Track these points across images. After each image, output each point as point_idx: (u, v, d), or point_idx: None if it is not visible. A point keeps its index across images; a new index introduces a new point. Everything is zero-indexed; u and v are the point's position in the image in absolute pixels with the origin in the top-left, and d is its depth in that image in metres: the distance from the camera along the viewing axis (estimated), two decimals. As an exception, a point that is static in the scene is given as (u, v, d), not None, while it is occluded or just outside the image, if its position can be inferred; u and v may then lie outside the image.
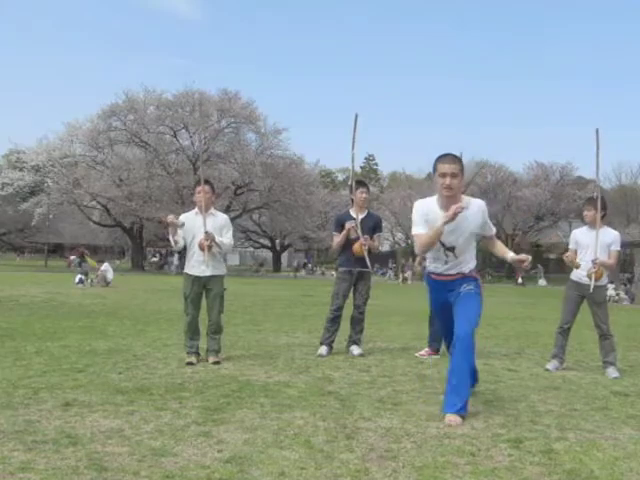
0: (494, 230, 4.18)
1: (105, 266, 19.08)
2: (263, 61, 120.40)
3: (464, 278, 4.05)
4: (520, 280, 33.66)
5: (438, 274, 4.11)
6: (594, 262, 5.51)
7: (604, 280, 5.75)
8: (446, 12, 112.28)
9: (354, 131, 5.72)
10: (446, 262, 4.04)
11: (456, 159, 3.88)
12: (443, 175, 3.82)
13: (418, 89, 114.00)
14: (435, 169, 3.90)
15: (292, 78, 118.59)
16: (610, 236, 5.68)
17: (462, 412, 3.76)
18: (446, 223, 3.82)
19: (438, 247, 3.99)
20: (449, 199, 3.87)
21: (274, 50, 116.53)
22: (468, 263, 4.07)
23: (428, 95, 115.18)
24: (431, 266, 4.13)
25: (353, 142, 5.76)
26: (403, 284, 30.18)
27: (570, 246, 5.92)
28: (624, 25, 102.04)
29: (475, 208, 3.98)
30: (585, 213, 5.78)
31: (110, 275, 18.65)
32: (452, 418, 3.69)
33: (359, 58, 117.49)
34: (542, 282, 34.64)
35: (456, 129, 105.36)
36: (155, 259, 39.64)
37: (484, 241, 4.33)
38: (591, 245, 5.63)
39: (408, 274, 31.31)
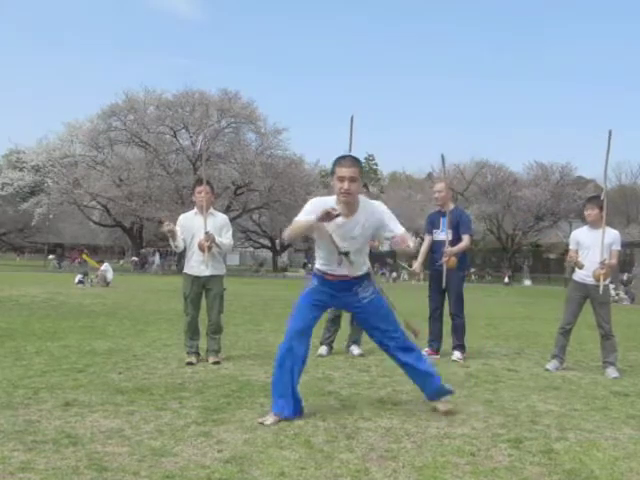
0: (398, 231, 3.77)
1: (105, 266, 19.10)
2: (263, 61, 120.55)
3: (360, 279, 3.94)
4: (507, 280, 33.83)
5: (332, 274, 3.91)
6: (602, 263, 5.49)
7: (606, 280, 5.74)
8: (446, 12, 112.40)
9: (350, 133, 5.73)
10: (339, 265, 3.87)
11: (355, 162, 3.73)
12: (341, 179, 3.66)
13: (418, 89, 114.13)
14: (333, 172, 3.74)
15: (292, 78, 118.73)
16: (611, 236, 5.67)
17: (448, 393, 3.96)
18: (318, 220, 3.66)
19: (332, 250, 3.84)
20: (347, 204, 3.72)
21: (274, 50, 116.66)
22: (362, 266, 3.95)
23: (428, 95, 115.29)
24: (323, 267, 3.94)
25: (350, 144, 5.77)
26: (394, 282, 31.45)
27: (570, 246, 5.89)
28: (624, 25, 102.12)
29: (370, 212, 3.79)
30: (589, 212, 5.72)
31: (110, 275, 18.67)
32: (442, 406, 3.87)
33: (359, 58, 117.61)
34: (527, 282, 34.62)
35: (456, 129, 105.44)
36: (135, 258, 38.99)
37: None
38: (593, 245, 5.61)
39: (395, 274, 33.28)
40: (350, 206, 3.73)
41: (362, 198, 3.84)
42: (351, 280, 3.90)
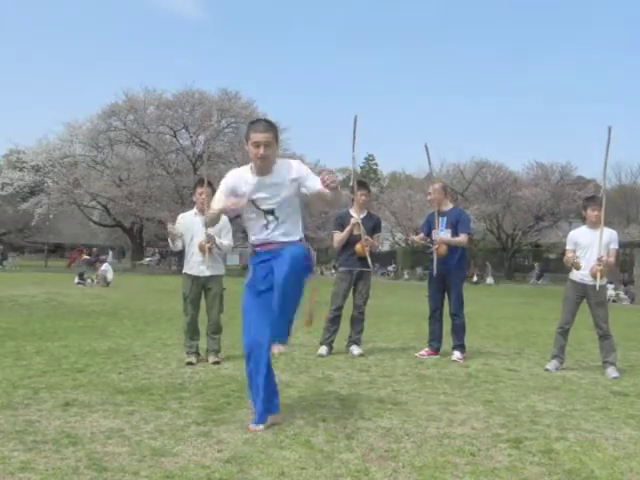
0: (318, 185, 3.62)
1: (105, 266, 19.12)
2: (263, 61, 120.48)
3: (291, 245, 3.67)
4: (475, 279, 33.74)
5: (261, 243, 3.74)
6: (599, 260, 5.49)
7: (604, 280, 5.74)
8: (446, 12, 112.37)
9: (354, 133, 5.73)
10: (267, 227, 3.71)
11: (269, 127, 3.67)
12: (257, 145, 3.61)
13: (418, 89, 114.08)
14: (248, 138, 3.69)
15: (292, 77, 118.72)
16: (609, 235, 5.67)
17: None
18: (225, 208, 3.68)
19: (255, 211, 3.71)
20: (262, 168, 3.68)
21: (274, 50, 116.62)
22: (293, 233, 3.73)
23: (428, 95, 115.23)
24: (253, 238, 3.79)
25: (353, 144, 5.78)
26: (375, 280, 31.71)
27: (568, 247, 5.87)
28: (623, 25, 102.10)
29: (286, 168, 3.71)
30: (595, 213, 5.66)
31: (110, 275, 18.67)
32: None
33: (359, 58, 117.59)
34: (490, 280, 34.25)
35: (456, 129, 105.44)
36: (87, 257, 37.12)
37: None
38: (592, 245, 5.61)
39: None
40: (265, 169, 3.69)
41: (277, 160, 3.77)
42: (282, 247, 3.67)
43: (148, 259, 39.62)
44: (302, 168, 3.76)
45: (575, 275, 5.79)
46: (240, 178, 3.76)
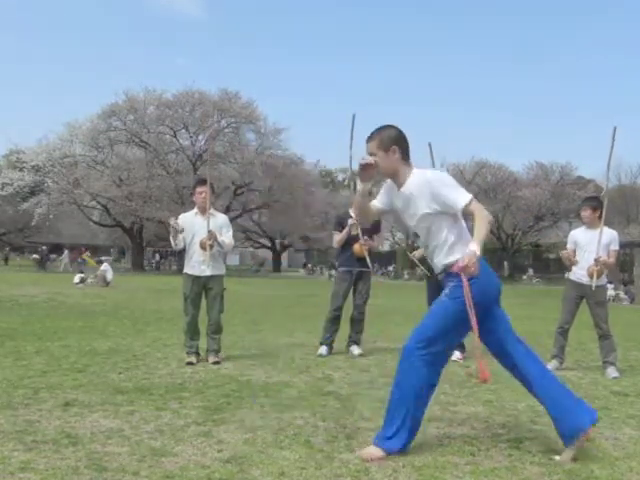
0: (461, 203, 3.18)
1: (105, 266, 19.11)
2: (264, 60, 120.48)
3: (448, 275, 3.27)
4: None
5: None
6: (597, 260, 5.50)
7: (603, 280, 5.75)
8: (444, 12, 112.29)
9: (352, 132, 5.73)
10: (426, 248, 3.41)
11: (370, 137, 3.31)
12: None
13: (417, 89, 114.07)
14: None
15: (292, 77, 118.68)
16: (608, 236, 5.68)
17: (383, 445, 3.08)
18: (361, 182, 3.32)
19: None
20: (395, 181, 3.35)
21: (275, 50, 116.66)
22: (446, 253, 3.28)
23: (428, 95, 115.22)
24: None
25: (351, 143, 5.77)
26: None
27: (568, 246, 5.90)
28: (624, 24, 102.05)
29: (417, 183, 3.24)
30: (585, 213, 5.72)
31: (110, 275, 18.67)
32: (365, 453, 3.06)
33: (359, 58, 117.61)
34: None
35: (456, 129, 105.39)
36: (36, 256, 36.57)
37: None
38: (590, 245, 5.62)
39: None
40: (397, 182, 3.33)
41: (417, 170, 3.32)
42: (444, 275, 3.31)
43: (105, 258, 38.37)
44: (435, 182, 3.21)
45: (573, 275, 5.80)
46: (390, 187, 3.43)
